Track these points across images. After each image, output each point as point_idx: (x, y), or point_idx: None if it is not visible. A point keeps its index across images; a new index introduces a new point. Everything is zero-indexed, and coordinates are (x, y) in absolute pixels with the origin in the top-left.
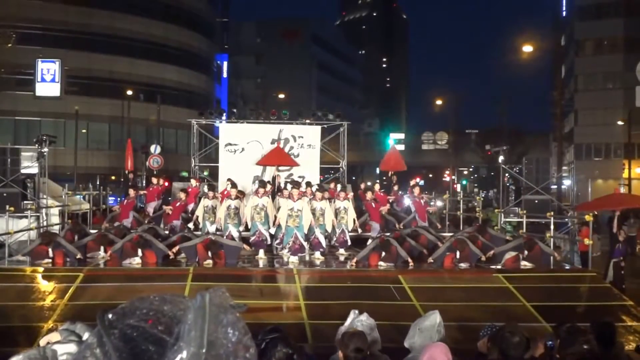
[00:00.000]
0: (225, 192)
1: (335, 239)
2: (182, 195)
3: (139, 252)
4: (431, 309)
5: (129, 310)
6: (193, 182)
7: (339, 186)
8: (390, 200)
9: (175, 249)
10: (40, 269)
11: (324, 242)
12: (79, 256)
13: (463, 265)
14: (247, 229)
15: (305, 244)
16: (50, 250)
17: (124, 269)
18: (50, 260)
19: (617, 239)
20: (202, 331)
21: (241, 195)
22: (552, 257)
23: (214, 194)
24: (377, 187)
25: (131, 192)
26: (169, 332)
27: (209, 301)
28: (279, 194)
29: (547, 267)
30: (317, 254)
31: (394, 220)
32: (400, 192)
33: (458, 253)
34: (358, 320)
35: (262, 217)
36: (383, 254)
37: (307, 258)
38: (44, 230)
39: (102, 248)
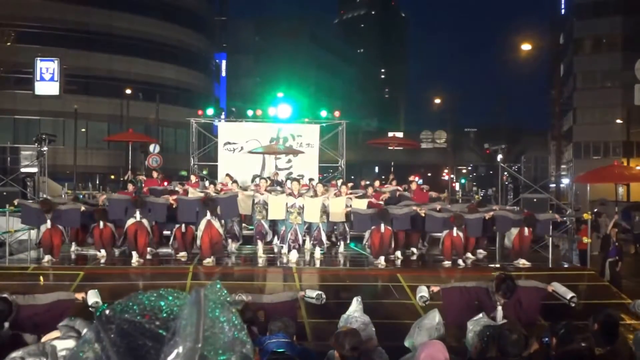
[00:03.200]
0: (225, 186)
1: (337, 232)
2: (180, 188)
3: (137, 213)
4: (429, 308)
5: (126, 306)
6: (192, 177)
7: (339, 182)
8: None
9: (173, 199)
10: (41, 268)
11: (324, 238)
12: (83, 208)
13: (461, 263)
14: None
15: (301, 239)
16: (49, 222)
17: (124, 267)
18: (50, 258)
19: (609, 240)
20: (197, 326)
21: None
22: (551, 224)
23: (215, 189)
24: (377, 183)
25: (130, 186)
26: (166, 328)
27: (205, 297)
28: (280, 188)
29: (544, 265)
30: (317, 253)
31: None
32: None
33: (455, 230)
34: (352, 317)
35: (264, 216)
36: (382, 228)
37: (306, 257)
38: (44, 198)
39: (102, 249)
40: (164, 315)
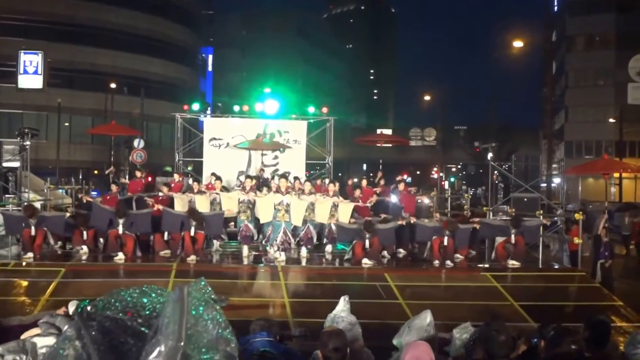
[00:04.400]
0: (210, 186)
1: (325, 235)
2: (165, 189)
3: (120, 225)
4: (417, 308)
5: (108, 303)
6: (176, 176)
7: (327, 180)
8: (377, 192)
9: (158, 206)
10: (22, 264)
11: (314, 237)
12: (68, 214)
13: (449, 263)
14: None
15: (292, 239)
16: (33, 228)
17: (106, 264)
18: (31, 255)
19: (600, 241)
20: (180, 324)
21: (225, 190)
22: (540, 228)
23: (199, 187)
24: (364, 182)
25: (113, 187)
26: (148, 325)
27: (188, 294)
28: (266, 189)
29: (534, 266)
30: (304, 252)
31: (383, 206)
32: (386, 187)
33: (446, 239)
34: (338, 317)
35: (248, 215)
36: (367, 244)
37: (293, 255)
38: (27, 203)
39: (84, 246)
40: (147, 312)
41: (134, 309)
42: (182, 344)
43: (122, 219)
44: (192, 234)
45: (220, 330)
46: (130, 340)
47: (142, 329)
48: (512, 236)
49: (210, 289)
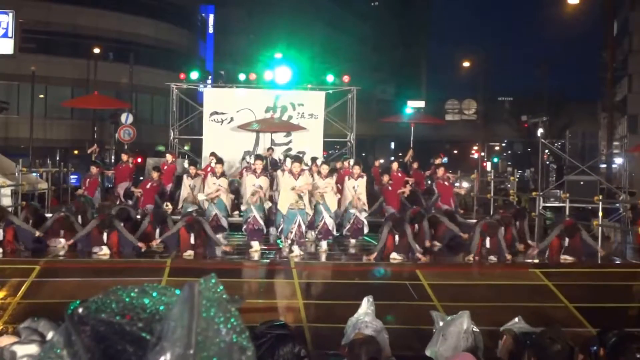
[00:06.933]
0: (209, 169)
1: (347, 227)
2: (155, 175)
3: (104, 236)
4: (455, 311)
5: (103, 304)
6: (169, 157)
7: (351, 161)
8: (410, 183)
9: (155, 243)
10: None
11: (334, 229)
12: (38, 234)
13: (493, 258)
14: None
15: (305, 230)
16: (1, 231)
17: (88, 261)
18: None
19: None
20: (189, 329)
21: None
22: (595, 251)
23: (197, 171)
24: (395, 166)
25: (93, 169)
26: (150, 330)
27: (199, 293)
28: (277, 171)
29: (592, 261)
30: (323, 245)
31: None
32: (420, 171)
33: (488, 241)
34: (362, 322)
35: (257, 199)
36: (397, 238)
37: (310, 249)
38: None
39: (62, 234)
40: (149, 315)
41: (133, 312)
42: (191, 351)
43: (107, 230)
44: (192, 241)
45: (235, 336)
46: (129, 347)
47: (143, 334)
48: (566, 239)
49: (222, 287)
